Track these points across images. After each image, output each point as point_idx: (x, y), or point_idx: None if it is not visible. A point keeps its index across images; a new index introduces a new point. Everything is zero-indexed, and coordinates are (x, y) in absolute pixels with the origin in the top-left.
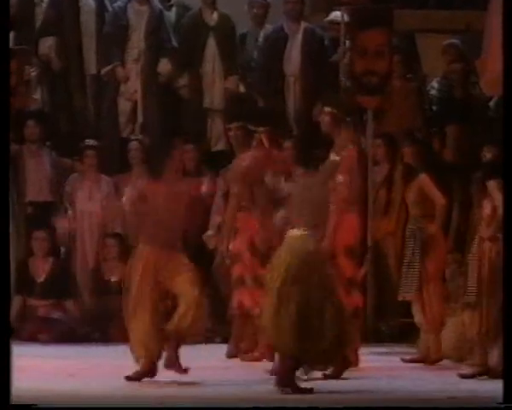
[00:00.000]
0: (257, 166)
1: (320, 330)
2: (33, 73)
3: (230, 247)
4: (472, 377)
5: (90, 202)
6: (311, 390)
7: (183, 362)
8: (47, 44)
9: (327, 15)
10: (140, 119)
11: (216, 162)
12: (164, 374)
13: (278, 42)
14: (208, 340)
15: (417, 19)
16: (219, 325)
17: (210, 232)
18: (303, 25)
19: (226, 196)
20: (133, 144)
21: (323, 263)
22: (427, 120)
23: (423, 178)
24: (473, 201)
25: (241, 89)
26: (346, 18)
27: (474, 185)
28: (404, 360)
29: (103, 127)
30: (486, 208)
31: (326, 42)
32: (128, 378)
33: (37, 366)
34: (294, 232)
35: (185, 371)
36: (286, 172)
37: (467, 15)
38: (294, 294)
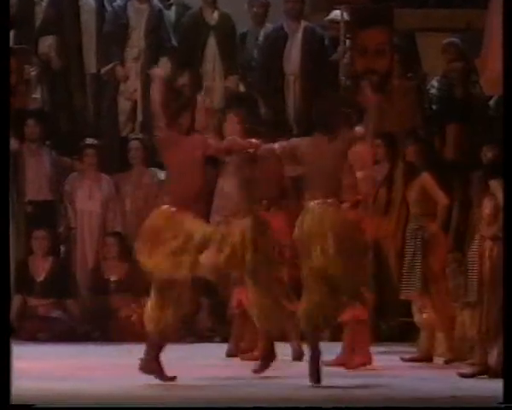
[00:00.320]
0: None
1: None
2: (33, 73)
3: None
4: (472, 376)
5: (90, 201)
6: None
7: (183, 362)
8: (47, 43)
9: (327, 14)
10: (140, 118)
11: (216, 161)
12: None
13: (278, 41)
14: (208, 339)
15: (417, 18)
16: (219, 325)
17: None
18: (303, 24)
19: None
20: (133, 143)
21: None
22: (427, 118)
23: (426, 177)
24: (472, 200)
25: (241, 88)
26: (346, 17)
27: (475, 184)
28: (403, 360)
29: (103, 126)
30: (487, 207)
31: (326, 41)
32: None
33: (37, 366)
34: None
35: (171, 378)
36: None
37: (467, 14)
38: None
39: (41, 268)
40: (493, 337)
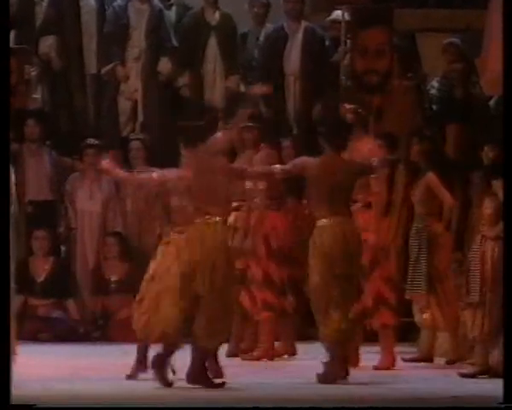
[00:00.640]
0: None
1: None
2: (33, 73)
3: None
4: (472, 376)
5: (91, 201)
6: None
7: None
8: (47, 44)
9: (327, 15)
10: (140, 118)
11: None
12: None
13: (278, 41)
14: None
15: (417, 18)
16: None
17: None
18: (303, 24)
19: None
20: (134, 144)
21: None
22: (428, 119)
23: (431, 177)
24: (472, 200)
25: (242, 88)
26: (346, 17)
27: (475, 184)
28: (404, 360)
29: (103, 126)
30: (489, 208)
31: (326, 41)
32: None
33: (37, 366)
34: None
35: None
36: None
37: (467, 14)
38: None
39: (41, 268)
40: (495, 338)
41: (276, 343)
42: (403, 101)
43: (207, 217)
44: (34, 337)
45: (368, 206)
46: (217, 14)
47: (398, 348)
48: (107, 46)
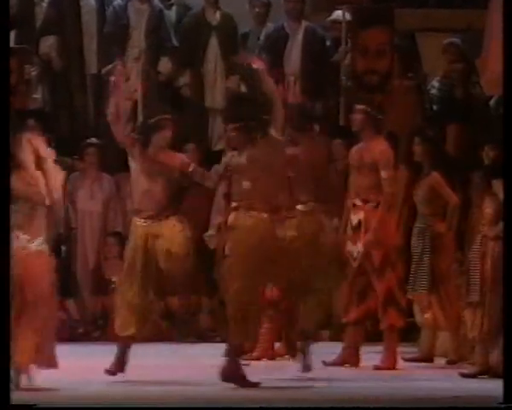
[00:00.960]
0: None
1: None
2: (34, 73)
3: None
4: (473, 376)
5: (91, 201)
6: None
7: (184, 362)
8: (48, 44)
9: (328, 15)
10: (140, 118)
11: (217, 162)
12: (164, 374)
13: (279, 41)
14: (209, 339)
15: (418, 18)
16: (219, 325)
17: (211, 232)
18: (304, 24)
19: (227, 196)
20: None
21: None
22: (428, 119)
23: (435, 177)
24: (472, 199)
25: (243, 88)
26: (347, 17)
27: (475, 184)
28: (404, 360)
29: (104, 126)
30: (489, 207)
31: (327, 41)
32: None
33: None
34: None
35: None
36: None
37: (467, 14)
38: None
39: None
40: (494, 338)
41: (277, 344)
42: (403, 101)
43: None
44: None
45: (378, 205)
46: (217, 14)
47: (398, 348)
48: (107, 46)
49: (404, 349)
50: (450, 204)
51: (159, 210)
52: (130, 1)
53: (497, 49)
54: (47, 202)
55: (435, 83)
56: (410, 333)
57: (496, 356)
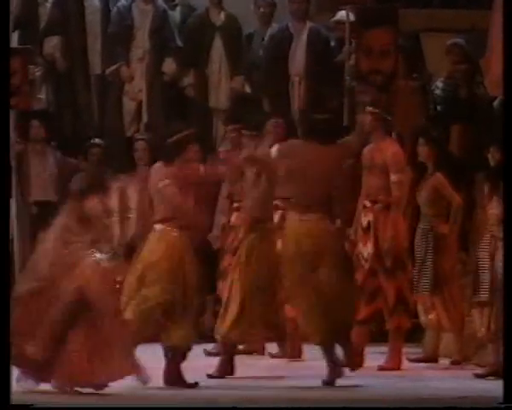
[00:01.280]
0: None
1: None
2: (38, 73)
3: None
4: (485, 376)
5: None
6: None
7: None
8: (52, 44)
9: (332, 15)
10: (145, 118)
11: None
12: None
13: (283, 41)
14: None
15: (422, 18)
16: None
17: (215, 232)
18: (308, 24)
19: (230, 196)
20: (140, 144)
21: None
22: (432, 119)
23: (439, 178)
24: (476, 200)
25: (247, 89)
26: (351, 17)
27: (479, 185)
28: (409, 360)
29: (108, 127)
30: (496, 208)
31: (331, 42)
32: None
33: None
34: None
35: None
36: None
37: (471, 15)
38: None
39: None
40: (502, 337)
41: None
42: (407, 101)
43: None
44: None
45: (388, 207)
46: (222, 15)
47: (403, 349)
48: (111, 46)
49: (408, 350)
50: (453, 205)
51: None
52: (135, 1)
53: (499, 50)
54: None
55: (439, 83)
56: (414, 334)
57: (501, 356)
